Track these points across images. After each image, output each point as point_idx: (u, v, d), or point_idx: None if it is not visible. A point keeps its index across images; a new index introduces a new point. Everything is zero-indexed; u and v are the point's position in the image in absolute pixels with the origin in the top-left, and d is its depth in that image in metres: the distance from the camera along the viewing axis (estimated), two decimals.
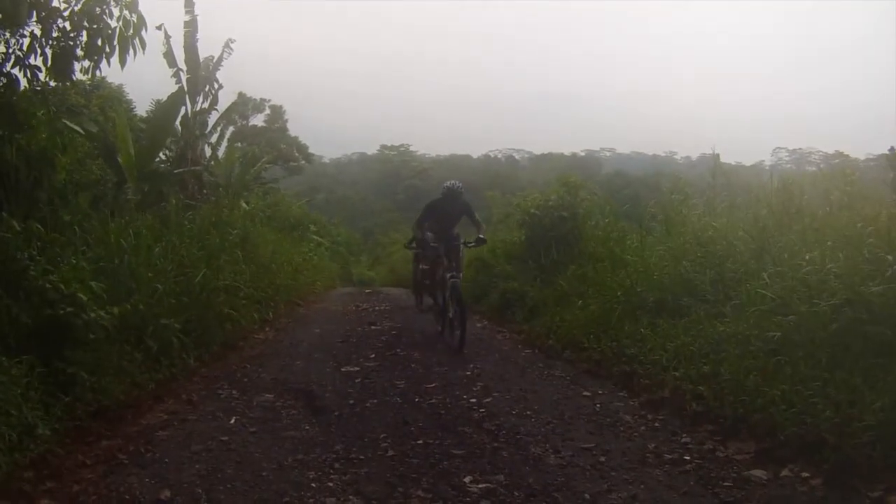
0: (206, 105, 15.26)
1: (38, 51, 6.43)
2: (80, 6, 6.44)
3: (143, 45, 6.81)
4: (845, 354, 4.42)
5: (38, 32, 6.37)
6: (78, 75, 6.94)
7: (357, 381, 6.58)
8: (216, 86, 15.20)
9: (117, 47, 6.64)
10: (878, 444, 3.67)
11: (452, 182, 9.26)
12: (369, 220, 58.04)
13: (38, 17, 6.30)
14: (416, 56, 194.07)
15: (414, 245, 12.53)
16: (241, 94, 32.45)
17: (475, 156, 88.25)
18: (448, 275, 8.44)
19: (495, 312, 10.90)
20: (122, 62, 6.75)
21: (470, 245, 9.23)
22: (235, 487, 3.91)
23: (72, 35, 6.55)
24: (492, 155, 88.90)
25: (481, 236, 9.08)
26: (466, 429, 5.01)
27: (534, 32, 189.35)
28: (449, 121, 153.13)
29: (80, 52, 6.62)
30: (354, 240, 40.10)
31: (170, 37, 14.03)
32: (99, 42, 6.57)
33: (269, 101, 46.30)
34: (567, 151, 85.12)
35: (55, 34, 6.50)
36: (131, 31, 6.65)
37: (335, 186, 71.58)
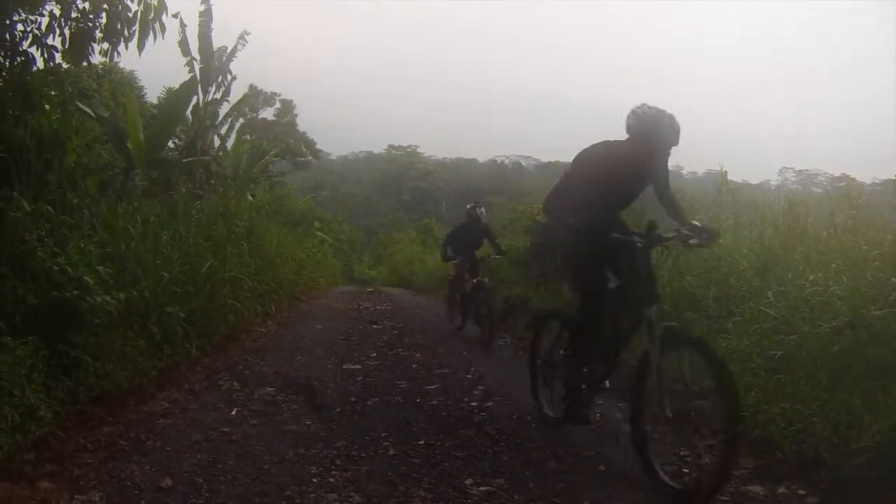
0: (217, 96, 15.31)
1: (57, 31, 6.43)
2: None
3: (163, 30, 6.80)
4: (845, 376, 4.43)
5: (56, 12, 6.37)
6: (95, 57, 6.94)
7: (358, 378, 6.60)
8: (229, 77, 15.25)
9: (137, 31, 6.64)
10: (875, 466, 3.69)
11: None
12: (373, 219, 58.02)
13: None
14: (427, 57, 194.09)
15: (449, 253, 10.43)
16: (252, 87, 32.68)
17: (482, 160, 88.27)
18: (652, 308, 4.15)
19: (497, 318, 10.88)
20: (141, 47, 6.75)
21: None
22: (236, 479, 3.92)
23: (91, 16, 6.53)
24: (498, 160, 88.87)
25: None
26: (467, 431, 5.02)
27: (546, 41, 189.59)
28: (457, 124, 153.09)
29: (98, 34, 6.61)
30: (357, 238, 40.13)
31: (185, 25, 14.06)
32: (118, 25, 6.57)
33: (280, 94, 46.41)
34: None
35: (74, 15, 6.49)
36: (152, 14, 6.65)
37: (340, 183, 71.60)
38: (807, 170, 58.28)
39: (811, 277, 5.50)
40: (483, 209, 10.40)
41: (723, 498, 3.91)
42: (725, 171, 9.43)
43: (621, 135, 4.58)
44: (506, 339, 9.37)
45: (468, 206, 10.52)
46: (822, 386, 4.47)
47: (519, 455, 4.53)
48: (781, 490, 4.00)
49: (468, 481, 4.03)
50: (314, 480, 3.95)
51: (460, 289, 10.19)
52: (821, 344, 4.72)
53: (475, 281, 9.55)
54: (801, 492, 3.93)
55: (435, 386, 6.43)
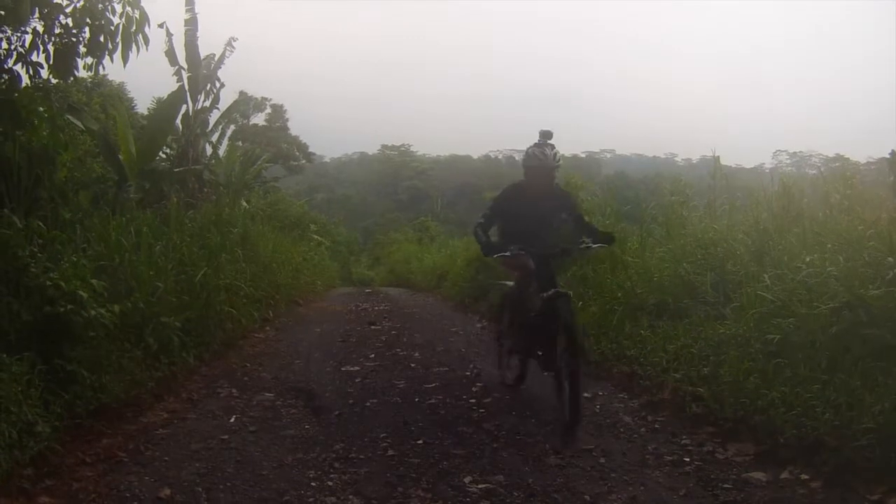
0: (207, 103, 15.20)
1: (41, 47, 6.43)
2: (82, 2, 6.44)
3: (146, 42, 6.81)
4: (845, 357, 4.41)
5: (40, 29, 6.38)
6: (80, 72, 6.94)
7: (357, 380, 6.59)
8: (217, 84, 15.15)
9: (120, 44, 6.64)
10: (878, 447, 3.68)
11: None
12: (369, 219, 57.96)
13: (40, 13, 6.30)
14: (417, 56, 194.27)
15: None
16: (242, 93, 32.58)
17: (475, 156, 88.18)
18: None
19: (495, 313, 10.83)
20: (125, 59, 6.75)
21: None
22: (235, 486, 3.91)
23: (74, 31, 6.55)
24: (492, 155, 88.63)
25: None
26: (466, 429, 5.02)
27: (535, 34, 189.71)
28: (449, 121, 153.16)
29: (82, 49, 6.62)
30: (355, 239, 40.07)
31: (171, 35, 13.99)
32: (101, 38, 6.57)
33: (270, 100, 46.43)
34: (567, 153, 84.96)
35: (57, 31, 6.50)
36: (134, 27, 6.65)
37: (335, 186, 71.60)
38: (801, 151, 58.15)
39: (807, 259, 5.49)
40: (557, 151, 5.77)
41: (725, 486, 3.92)
42: (718, 157, 9.44)
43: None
44: None
45: (530, 147, 5.82)
46: (822, 368, 4.46)
47: (518, 451, 4.53)
48: (784, 475, 4.00)
49: (467, 479, 4.03)
50: (313, 484, 3.95)
51: (520, 312, 5.92)
52: (819, 326, 4.71)
53: (549, 294, 5.25)
54: (804, 476, 3.94)
55: (433, 384, 6.42)
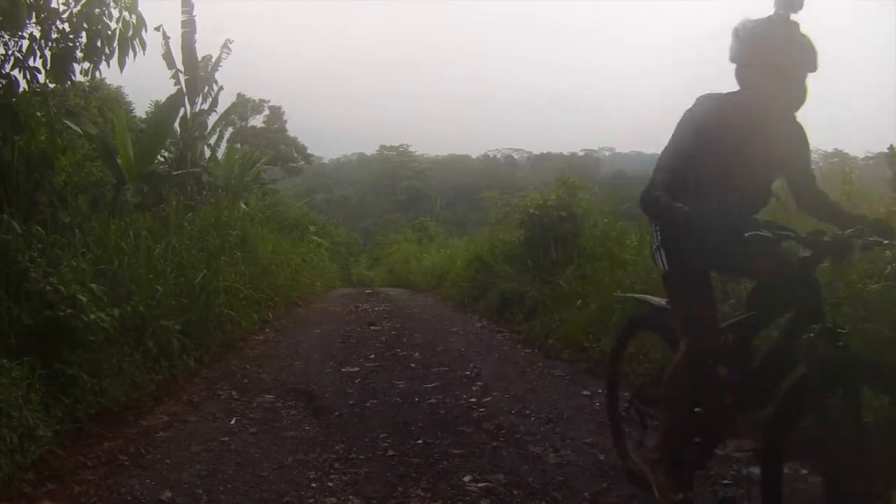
0: (205, 106, 15.21)
1: (38, 52, 6.44)
2: (79, 7, 6.45)
3: (143, 46, 6.83)
4: None
5: (37, 34, 6.39)
6: (77, 77, 6.96)
7: (357, 381, 6.60)
8: (216, 87, 15.18)
9: (117, 49, 6.66)
10: (878, 442, 3.68)
11: None
12: (368, 220, 57.95)
13: (37, 18, 6.32)
14: (415, 57, 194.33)
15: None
16: (240, 95, 32.71)
17: (474, 156, 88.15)
18: None
19: (494, 312, 10.87)
20: (122, 63, 6.77)
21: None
22: (236, 488, 3.92)
23: (71, 37, 6.56)
24: (490, 155, 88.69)
25: None
26: (466, 428, 5.03)
27: (532, 33, 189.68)
28: (447, 121, 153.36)
29: (79, 54, 6.63)
30: (354, 240, 40.06)
31: (168, 38, 13.99)
32: (98, 43, 6.59)
33: (268, 101, 46.45)
34: (566, 151, 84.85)
35: (54, 36, 6.51)
36: (131, 32, 6.68)
37: (334, 187, 71.63)
38: None
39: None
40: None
41: (725, 481, 3.92)
42: None
43: None
44: (503, 334, 9.36)
45: (758, 21, 2.97)
46: None
47: (518, 449, 4.54)
48: (784, 471, 3.99)
49: (467, 478, 4.03)
50: (313, 485, 3.95)
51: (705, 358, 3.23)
52: None
53: (817, 330, 2.75)
54: (804, 471, 3.93)
55: (433, 384, 6.42)
